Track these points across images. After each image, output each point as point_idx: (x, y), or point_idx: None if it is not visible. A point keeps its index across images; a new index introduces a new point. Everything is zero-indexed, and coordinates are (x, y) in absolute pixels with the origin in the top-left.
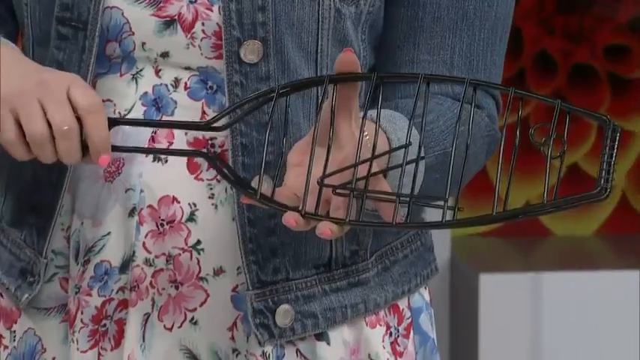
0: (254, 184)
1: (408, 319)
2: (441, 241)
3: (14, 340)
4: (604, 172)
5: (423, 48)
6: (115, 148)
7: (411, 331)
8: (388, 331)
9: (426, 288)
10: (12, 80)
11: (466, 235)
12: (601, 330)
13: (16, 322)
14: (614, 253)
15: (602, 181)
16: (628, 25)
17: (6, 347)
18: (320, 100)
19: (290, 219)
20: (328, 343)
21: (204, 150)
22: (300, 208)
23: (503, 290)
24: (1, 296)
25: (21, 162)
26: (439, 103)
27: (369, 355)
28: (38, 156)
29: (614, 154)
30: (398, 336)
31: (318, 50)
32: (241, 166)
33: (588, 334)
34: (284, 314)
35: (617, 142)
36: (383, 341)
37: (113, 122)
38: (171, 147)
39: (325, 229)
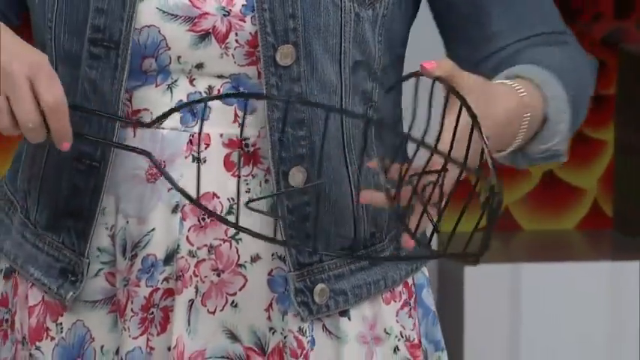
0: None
1: (414, 294)
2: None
3: (61, 331)
4: (485, 240)
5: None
6: (76, 135)
7: (416, 305)
8: (403, 307)
9: (425, 266)
10: None
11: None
12: (573, 313)
13: (62, 315)
14: (586, 246)
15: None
16: (602, 40)
17: (53, 338)
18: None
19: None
20: (349, 319)
21: (238, 150)
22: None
23: (486, 280)
24: (45, 292)
25: (57, 171)
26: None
27: (385, 329)
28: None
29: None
30: (410, 309)
31: (342, 51)
32: (279, 159)
33: (562, 318)
34: (320, 292)
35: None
36: (397, 315)
37: (73, 108)
38: (207, 148)
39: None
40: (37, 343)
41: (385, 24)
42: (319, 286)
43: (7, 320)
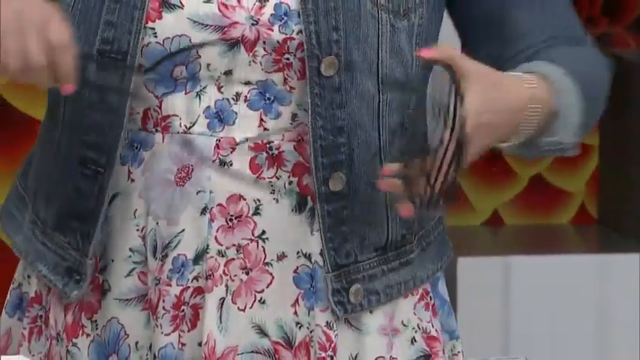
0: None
1: (431, 287)
2: None
3: (96, 328)
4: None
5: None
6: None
7: (433, 297)
8: (420, 300)
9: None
10: None
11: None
12: (561, 303)
13: (96, 313)
14: (573, 240)
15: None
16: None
17: (88, 335)
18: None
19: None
20: (371, 312)
21: (269, 147)
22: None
23: (477, 271)
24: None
25: (63, 174)
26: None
27: (402, 321)
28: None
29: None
30: (428, 302)
31: (379, 62)
32: (321, 165)
33: (550, 308)
34: (356, 292)
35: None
36: (414, 308)
37: (82, 56)
38: (233, 152)
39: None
40: (74, 340)
41: (422, 33)
42: (355, 286)
43: (41, 317)
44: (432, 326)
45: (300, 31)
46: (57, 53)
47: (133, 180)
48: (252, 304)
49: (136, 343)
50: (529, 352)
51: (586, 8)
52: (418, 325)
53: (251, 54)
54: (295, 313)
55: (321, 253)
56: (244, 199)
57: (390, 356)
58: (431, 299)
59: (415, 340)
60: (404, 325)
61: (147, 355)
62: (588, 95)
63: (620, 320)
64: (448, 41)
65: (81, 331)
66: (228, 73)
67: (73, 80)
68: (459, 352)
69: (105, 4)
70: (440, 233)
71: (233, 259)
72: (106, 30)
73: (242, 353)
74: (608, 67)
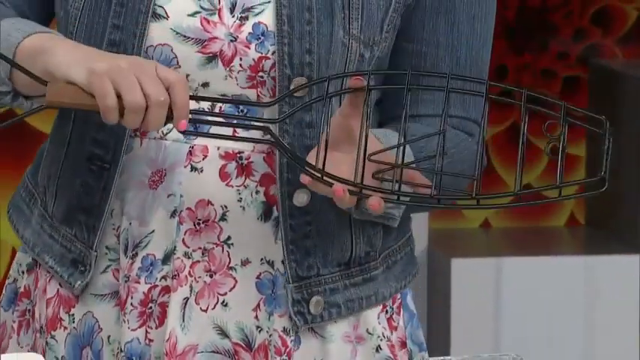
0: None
1: (399, 299)
2: (421, 233)
3: (73, 321)
4: (605, 164)
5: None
6: (192, 115)
7: (401, 309)
8: (384, 310)
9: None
10: (105, 58)
11: (440, 228)
12: (550, 302)
13: (74, 307)
14: (561, 242)
15: (602, 172)
16: (581, 56)
17: (65, 328)
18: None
19: (339, 189)
20: (335, 321)
21: (239, 157)
22: (358, 182)
23: (471, 272)
24: (61, 286)
25: (72, 170)
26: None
27: (367, 329)
28: (126, 122)
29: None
30: (392, 313)
31: (343, 85)
32: (286, 181)
33: (539, 306)
34: (316, 304)
35: (609, 141)
36: (378, 318)
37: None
38: (205, 159)
39: (375, 202)
40: (52, 332)
41: (376, 63)
42: (315, 298)
43: (29, 310)
44: (395, 337)
45: (274, 52)
46: (175, 86)
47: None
48: (215, 306)
49: (108, 337)
50: (520, 349)
51: (576, 19)
52: (383, 334)
53: (227, 69)
54: (256, 317)
55: (283, 263)
56: (212, 205)
57: None
58: (393, 311)
59: (380, 348)
60: (369, 334)
61: (118, 347)
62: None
63: (607, 317)
64: None
65: (59, 324)
66: (205, 84)
67: (187, 115)
68: None
69: (111, 8)
70: (407, 253)
71: (198, 261)
72: (112, 32)
73: (202, 352)
74: (473, 156)
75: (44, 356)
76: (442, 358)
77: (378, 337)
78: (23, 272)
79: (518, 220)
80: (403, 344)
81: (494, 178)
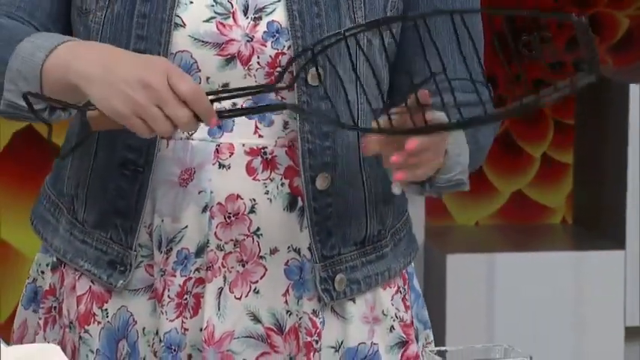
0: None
1: (407, 281)
2: (417, 230)
3: (107, 316)
4: (590, 58)
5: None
6: (219, 114)
7: (409, 290)
8: (398, 291)
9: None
10: (121, 96)
11: (436, 226)
12: (541, 296)
13: (107, 302)
14: (552, 239)
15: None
16: (573, 66)
17: (99, 322)
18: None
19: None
20: (354, 302)
21: (263, 152)
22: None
23: (465, 267)
24: (93, 282)
25: (103, 177)
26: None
27: (382, 311)
28: (163, 135)
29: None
30: (405, 294)
31: (357, 72)
32: (309, 166)
33: (531, 300)
34: (339, 281)
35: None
36: (392, 299)
37: (208, 94)
38: (231, 156)
39: (399, 175)
40: (86, 327)
41: (390, 52)
42: (339, 276)
43: (55, 307)
44: (408, 316)
45: (290, 47)
46: (192, 101)
47: None
48: (248, 294)
49: (144, 328)
50: (512, 340)
51: (567, 29)
52: (396, 315)
53: (246, 68)
54: (286, 302)
55: (309, 248)
56: (241, 199)
57: (372, 342)
58: (406, 292)
59: (393, 328)
60: (384, 315)
61: (153, 339)
62: (476, 138)
63: (594, 309)
64: None
65: (92, 319)
66: (225, 85)
67: (214, 114)
68: (431, 340)
69: (134, 19)
70: (408, 231)
71: (231, 252)
72: (137, 43)
73: (238, 337)
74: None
75: (77, 350)
76: (438, 348)
77: (392, 317)
78: (43, 272)
79: (511, 218)
80: (411, 323)
81: (486, 185)
